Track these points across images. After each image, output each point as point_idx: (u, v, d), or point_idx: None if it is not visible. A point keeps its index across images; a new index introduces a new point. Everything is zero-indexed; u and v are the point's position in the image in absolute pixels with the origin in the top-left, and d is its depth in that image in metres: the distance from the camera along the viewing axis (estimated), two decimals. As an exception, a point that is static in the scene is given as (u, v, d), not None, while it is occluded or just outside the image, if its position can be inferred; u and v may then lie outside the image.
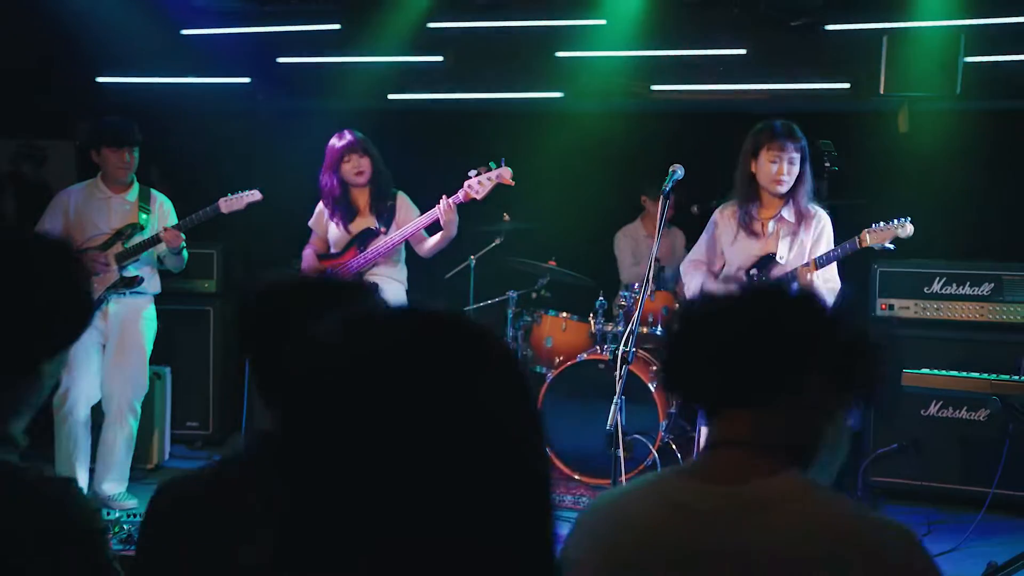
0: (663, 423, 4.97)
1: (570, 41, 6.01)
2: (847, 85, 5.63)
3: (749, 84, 5.79)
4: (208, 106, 6.62)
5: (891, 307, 4.97)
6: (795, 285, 1.39)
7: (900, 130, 5.54)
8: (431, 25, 6.14)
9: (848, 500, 1.30)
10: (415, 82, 6.35)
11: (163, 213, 4.87)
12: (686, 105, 5.99)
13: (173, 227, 4.66)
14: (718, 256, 4.04)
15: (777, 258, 3.88)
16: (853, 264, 5.20)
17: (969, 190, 5.75)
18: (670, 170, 3.68)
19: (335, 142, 4.61)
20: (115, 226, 4.72)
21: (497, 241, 5.88)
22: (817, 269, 3.78)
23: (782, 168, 3.78)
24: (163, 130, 6.69)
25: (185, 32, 6.43)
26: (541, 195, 6.06)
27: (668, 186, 3.61)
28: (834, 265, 3.91)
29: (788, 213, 3.87)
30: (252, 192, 4.77)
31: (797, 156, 3.79)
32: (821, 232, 3.90)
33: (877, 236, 3.80)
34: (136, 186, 4.84)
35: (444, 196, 4.45)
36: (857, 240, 3.83)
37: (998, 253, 5.14)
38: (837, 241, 3.95)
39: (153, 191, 4.91)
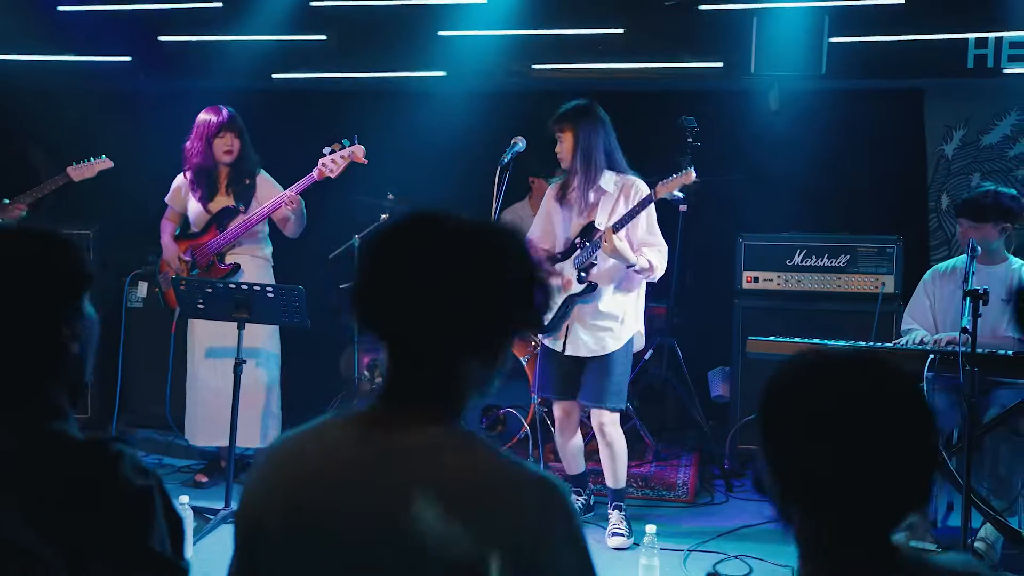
0: (535, 396, 5.04)
1: (452, 20, 6.03)
2: (720, 64, 5.75)
3: (626, 63, 5.88)
4: (89, 85, 6.50)
5: (756, 279, 5.12)
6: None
7: (771, 108, 5.69)
8: (313, 3, 6.11)
9: (499, 455, 1.31)
10: (298, 61, 6.30)
11: None
12: (567, 84, 6.03)
13: (18, 199, 4.54)
14: (551, 232, 4.18)
15: (596, 225, 4.01)
16: (720, 238, 5.36)
17: (837, 167, 5.94)
18: (512, 142, 3.73)
19: (211, 116, 4.60)
20: None
21: (383, 219, 5.90)
22: (616, 232, 3.88)
23: (560, 148, 4.02)
24: (43, 110, 6.57)
25: (62, 8, 6.29)
26: (424, 174, 6.08)
27: (507, 158, 3.67)
28: (655, 228, 4.04)
29: (606, 184, 4.00)
30: (102, 159, 4.70)
31: (563, 135, 4.00)
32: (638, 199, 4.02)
33: (665, 187, 3.94)
34: None
35: (287, 191, 4.48)
36: (652, 194, 3.95)
37: (866, 230, 5.32)
38: None
39: None
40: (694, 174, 3.88)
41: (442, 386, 1.34)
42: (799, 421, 1.25)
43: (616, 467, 4.06)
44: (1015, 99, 5.75)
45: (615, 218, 3.96)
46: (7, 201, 4.56)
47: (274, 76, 6.33)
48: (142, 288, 5.69)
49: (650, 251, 3.99)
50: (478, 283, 1.30)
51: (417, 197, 6.06)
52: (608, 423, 4.01)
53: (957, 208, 4.18)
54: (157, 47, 6.38)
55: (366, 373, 6.61)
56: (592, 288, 3.98)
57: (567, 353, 3.98)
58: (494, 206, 3.71)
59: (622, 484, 4.13)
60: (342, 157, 4.39)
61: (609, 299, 4.01)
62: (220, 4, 6.23)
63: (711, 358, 5.48)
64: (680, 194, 3.93)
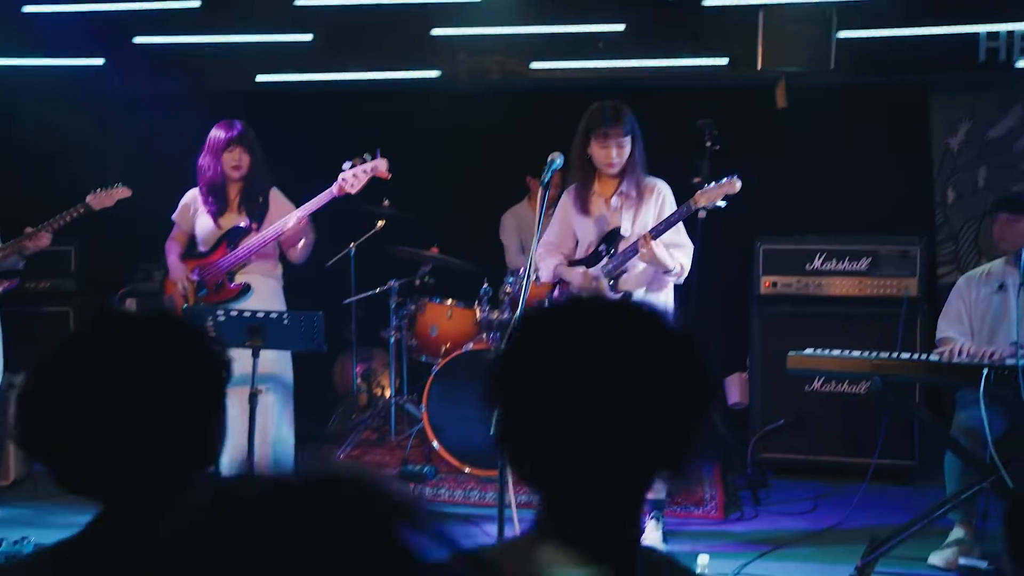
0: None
1: (446, 18, 5.80)
2: (725, 61, 5.60)
3: (628, 61, 5.70)
4: (58, 90, 6.15)
5: (775, 284, 5.00)
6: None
7: (778, 105, 5.55)
8: (298, 2, 5.84)
9: None
10: (284, 63, 6.02)
11: None
12: (565, 84, 5.85)
13: (39, 229, 4.33)
14: (570, 236, 4.12)
15: (621, 232, 3.95)
16: (736, 243, 5.22)
17: (845, 164, 5.83)
18: (549, 159, 3.55)
19: (220, 132, 4.40)
20: None
21: (379, 226, 5.68)
22: (655, 238, 3.81)
23: (610, 152, 3.87)
24: (7, 117, 6.21)
25: (27, 9, 5.94)
26: (420, 179, 5.86)
27: (547, 176, 3.49)
28: (681, 229, 3.98)
29: (628, 187, 3.94)
30: (122, 188, 4.53)
31: (626, 139, 3.87)
32: (663, 202, 3.98)
33: (708, 196, 3.84)
34: None
35: (296, 212, 4.25)
36: (691, 202, 3.86)
37: (875, 227, 5.23)
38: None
39: None
40: (739, 183, 3.76)
41: (624, 512, 1.16)
42: None
43: None
44: (1021, 91, 5.68)
45: (640, 223, 3.89)
46: (30, 229, 4.36)
47: (258, 79, 6.06)
48: (131, 305, 5.40)
49: (679, 252, 3.95)
50: (662, 387, 1.12)
51: (413, 203, 5.85)
52: None
53: (994, 204, 4.10)
54: (132, 49, 6.06)
55: (361, 383, 6.39)
56: (628, 297, 3.83)
57: None
58: (536, 227, 3.50)
59: (662, 495, 4.04)
60: (364, 171, 4.17)
61: None
62: (198, 3, 5.93)
63: (728, 364, 5.35)
64: (723, 203, 3.81)
